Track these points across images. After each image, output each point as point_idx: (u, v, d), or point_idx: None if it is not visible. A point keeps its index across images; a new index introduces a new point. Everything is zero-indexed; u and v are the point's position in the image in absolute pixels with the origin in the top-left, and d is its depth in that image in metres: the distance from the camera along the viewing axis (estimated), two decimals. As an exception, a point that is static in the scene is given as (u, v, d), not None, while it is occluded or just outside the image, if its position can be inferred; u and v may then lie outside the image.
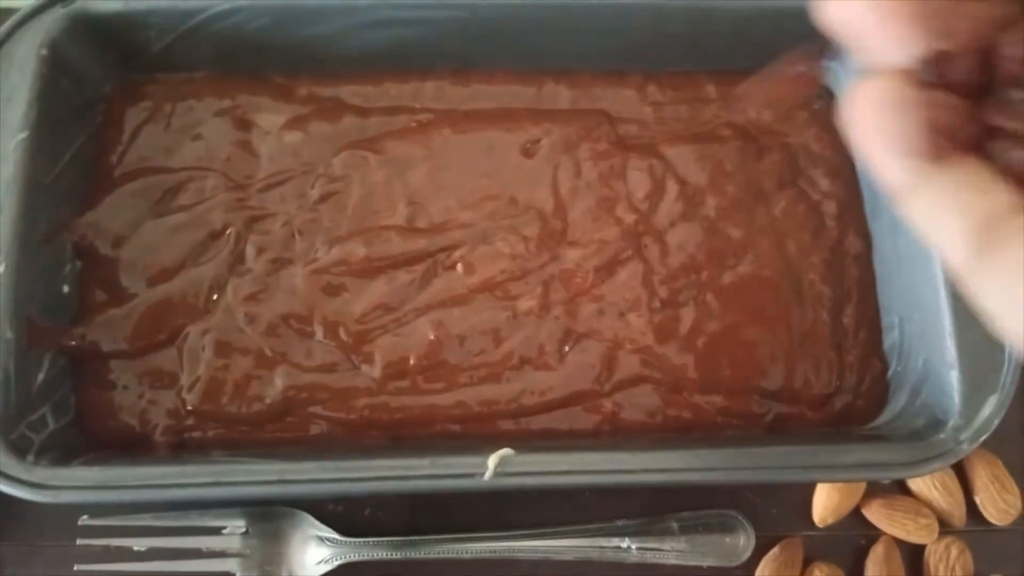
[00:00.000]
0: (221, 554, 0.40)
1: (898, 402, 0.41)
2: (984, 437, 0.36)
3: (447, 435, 0.41)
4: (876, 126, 0.18)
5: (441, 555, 0.41)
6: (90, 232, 0.42)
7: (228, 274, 0.42)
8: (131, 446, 0.40)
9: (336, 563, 0.40)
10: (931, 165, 0.17)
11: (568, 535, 0.41)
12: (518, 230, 0.43)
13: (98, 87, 0.44)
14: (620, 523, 0.42)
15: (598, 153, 0.45)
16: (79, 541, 0.40)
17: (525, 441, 0.38)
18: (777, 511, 0.44)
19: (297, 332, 0.41)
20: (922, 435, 0.37)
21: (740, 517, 0.42)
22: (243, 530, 0.41)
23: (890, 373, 0.42)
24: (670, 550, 0.41)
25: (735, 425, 0.42)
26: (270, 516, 0.41)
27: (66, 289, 0.41)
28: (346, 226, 0.43)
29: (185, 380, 0.40)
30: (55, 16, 0.40)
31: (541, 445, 0.37)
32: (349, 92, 0.46)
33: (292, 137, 0.44)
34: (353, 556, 0.40)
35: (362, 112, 0.45)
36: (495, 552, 0.41)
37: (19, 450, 0.35)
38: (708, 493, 0.43)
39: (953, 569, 0.42)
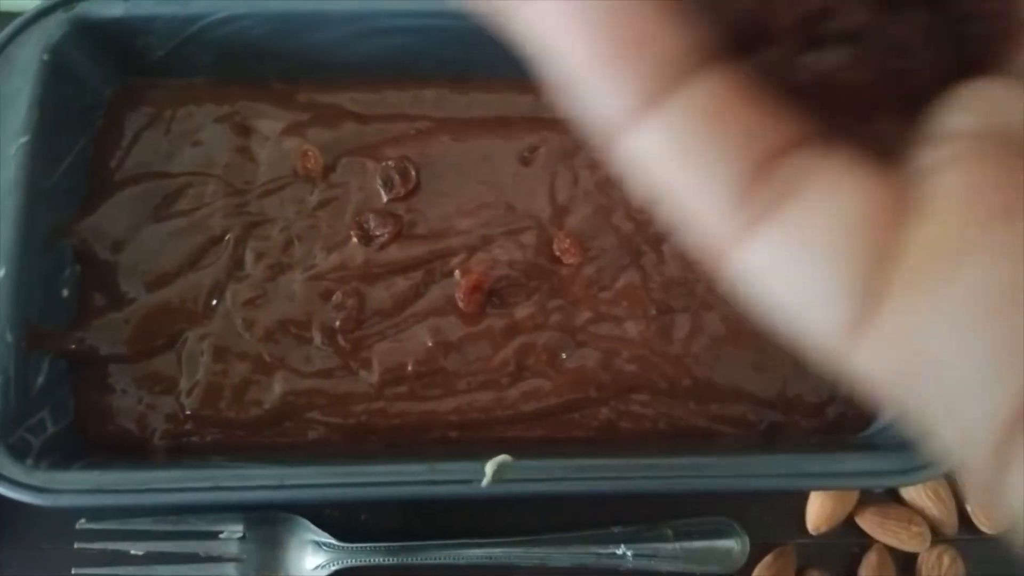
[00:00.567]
0: (218, 558, 0.40)
1: (890, 411, 0.41)
2: (976, 446, 0.37)
3: (445, 441, 0.41)
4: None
5: (437, 561, 0.41)
6: (90, 236, 0.42)
7: (227, 279, 0.42)
8: (129, 450, 0.40)
9: (333, 568, 0.40)
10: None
11: (564, 542, 0.42)
12: (516, 237, 0.43)
13: (99, 92, 0.44)
14: (616, 530, 0.42)
15: (595, 162, 0.45)
16: (77, 545, 0.40)
17: (522, 448, 0.38)
18: (771, 519, 0.44)
19: (295, 338, 0.41)
20: (914, 444, 0.38)
21: (734, 524, 0.43)
22: (240, 535, 0.41)
23: (883, 382, 0.43)
24: (665, 557, 0.42)
25: (730, 433, 0.42)
26: (267, 521, 0.41)
27: (65, 293, 0.41)
28: (344, 232, 0.43)
29: (184, 385, 0.41)
30: (57, 21, 0.41)
31: (538, 452, 0.38)
32: (348, 99, 0.46)
33: (291, 143, 0.44)
34: (349, 561, 0.41)
35: (361, 119, 0.45)
36: (491, 558, 0.41)
37: (18, 453, 0.36)
38: (703, 500, 0.43)
39: (945, 577, 0.42)
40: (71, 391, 0.40)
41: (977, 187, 0.12)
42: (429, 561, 0.41)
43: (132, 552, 0.40)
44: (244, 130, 0.45)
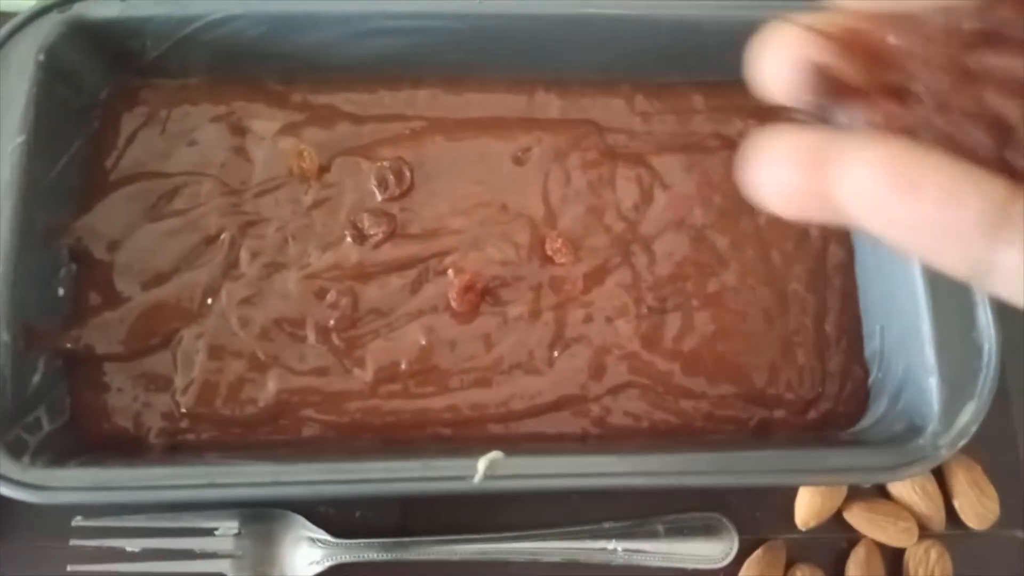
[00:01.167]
0: (214, 555, 0.41)
1: (878, 408, 0.42)
2: (962, 443, 0.37)
3: (438, 438, 0.41)
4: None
5: (431, 556, 0.41)
6: (86, 235, 0.42)
7: (222, 278, 0.42)
8: (125, 448, 0.40)
9: (327, 564, 0.41)
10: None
11: (556, 537, 0.42)
12: (509, 237, 0.44)
13: (95, 92, 0.44)
14: (607, 525, 0.43)
15: (587, 162, 0.45)
16: (73, 542, 0.40)
17: (514, 445, 0.38)
18: (760, 514, 0.44)
19: (290, 336, 0.42)
20: (902, 440, 0.38)
21: (724, 520, 0.43)
22: (236, 531, 0.41)
23: (871, 380, 0.43)
24: (655, 552, 0.42)
25: (720, 430, 0.42)
26: (262, 518, 0.41)
27: (61, 292, 0.41)
28: (339, 232, 0.43)
29: (179, 383, 0.41)
30: (53, 21, 0.41)
31: (530, 449, 0.38)
32: (343, 99, 0.46)
33: (286, 143, 0.45)
34: (344, 557, 0.41)
35: (356, 119, 0.46)
36: (484, 553, 0.41)
37: (14, 451, 0.36)
38: (693, 496, 0.44)
39: (932, 572, 0.43)
40: (67, 389, 0.40)
41: None
42: (423, 557, 0.41)
43: (128, 549, 0.40)
44: (239, 130, 0.45)
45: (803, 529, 0.44)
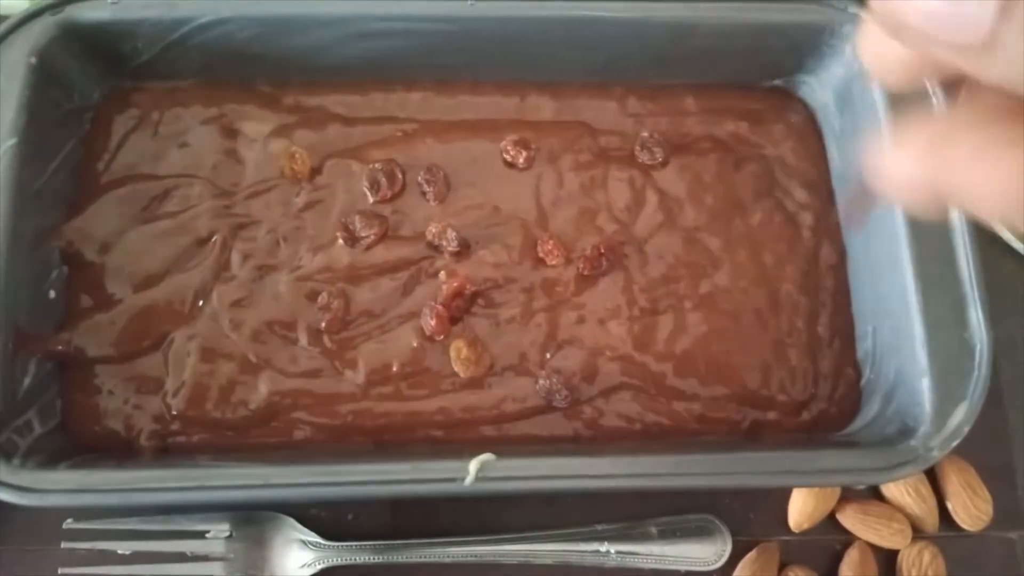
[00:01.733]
0: (205, 558, 0.41)
1: (871, 409, 0.42)
2: (954, 444, 0.37)
3: (430, 440, 0.41)
4: None
5: (423, 559, 0.41)
6: (77, 238, 0.42)
7: (213, 280, 0.42)
8: (116, 450, 0.40)
9: (319, 567, 0.41)
10: None
11: (548, 539, 0.42)
12: (501, 239, 0.44)
13: (86, 95, 0.44)
14: (600, 527, 0.43)
15: (580, 164, 0.45)
16: (64, 544, 0.40)
17: (506, 446, 0.38)
18: (754, 516, 0.44)
19: (281, 338, 0.42)
20: (894, 442, 0.38)
21: (717, 522, 0.43)
22: (227, 534, 0.41)
23: (863, 381, 0.43)
24: (648, 554, 0.42)
25: (712, 431, 0.42)
26: (254, 520, 0.41)
27: (52, 294, 0.41)
28: (330, 234, 0.43)
29: (170, 385, 0.41)
30: (44, 24, 0.41)
31: (522, 450, 0.38)
32: (335, 102, 0.46)
33: (278, 145, 0.45)
34: (335, 560, 0.41)
35: (347, 121, 0.46)
36: (476, 556, 0.41)
37: (5, 454, 0.36)
38: (686, 498, 0.44)
39: (925, 574, 0.43)
40: (58, 392, 0.40)
41: None
42: (414, 559, 0.41)
43: (119, 552, 0.41)
44: (231, 132, 0.45)
45: (796, 531, 0.44)
